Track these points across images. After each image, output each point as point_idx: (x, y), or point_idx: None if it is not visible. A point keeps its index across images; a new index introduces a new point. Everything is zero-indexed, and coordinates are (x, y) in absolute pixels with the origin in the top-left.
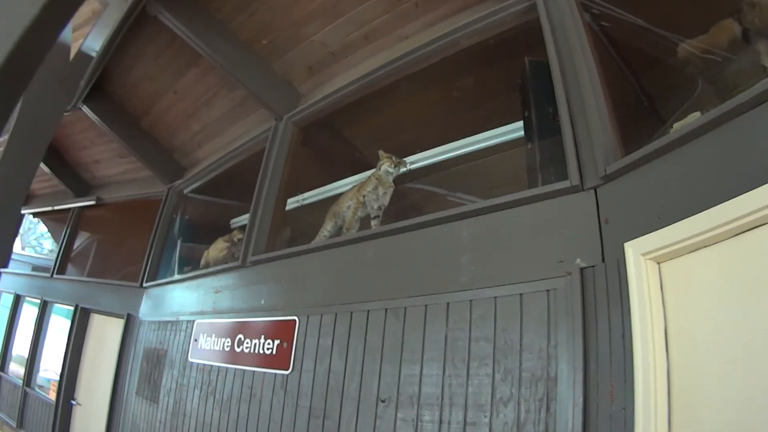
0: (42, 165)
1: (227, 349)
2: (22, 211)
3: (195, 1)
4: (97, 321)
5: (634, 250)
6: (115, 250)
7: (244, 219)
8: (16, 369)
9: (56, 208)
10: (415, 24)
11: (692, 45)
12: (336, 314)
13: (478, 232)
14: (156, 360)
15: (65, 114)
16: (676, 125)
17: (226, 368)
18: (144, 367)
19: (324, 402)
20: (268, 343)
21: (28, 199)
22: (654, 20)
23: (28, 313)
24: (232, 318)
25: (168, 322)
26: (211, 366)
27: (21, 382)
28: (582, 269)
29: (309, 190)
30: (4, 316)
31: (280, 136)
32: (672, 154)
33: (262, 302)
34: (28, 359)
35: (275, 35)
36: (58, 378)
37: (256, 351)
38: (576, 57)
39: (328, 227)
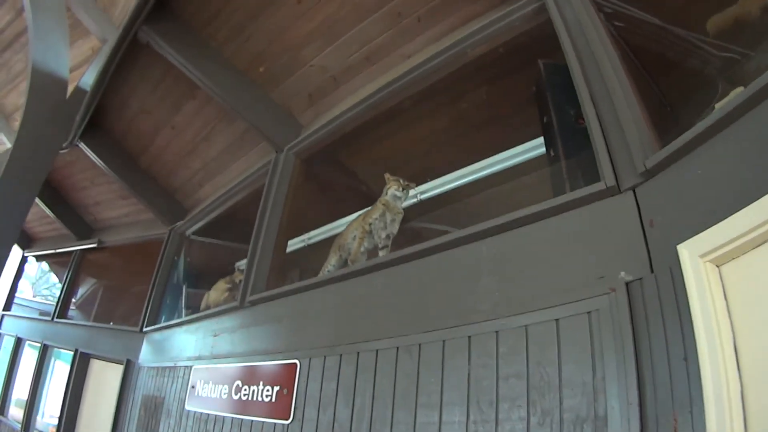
0: (44, 208)
1: (225, 396)
2: (25, 254)
3: (188, 28)
4: (96, 366)
5: (690, 253)
6: (116, 294)
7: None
8: (15, 413)
9: (58, 251)
10: (419, 40)
11: (721, 18)
12: (341, 355)
13: (501, 251)
14: (153, 408)
15: (63, 152)
16: (718, 105)
17: (224, 417)
18: (142, 415)
19: None
20: (267, 390)
21: (31, 242)
22: (669, 20)
23: (29, 356)
24: (230, 363)
25: (166, 368)
26: (208, 415)
27: (19, 426)
28: (627, 283)
29: (314, 229)
30: (5, 359)
31: (281, 168)
32: (720, 135)
33: (261, 345)
34: (27, 404)
35: (272, 62)
36: (56, 424)
37: (255, 398)
38: (596, 50)
39: (332, 261)
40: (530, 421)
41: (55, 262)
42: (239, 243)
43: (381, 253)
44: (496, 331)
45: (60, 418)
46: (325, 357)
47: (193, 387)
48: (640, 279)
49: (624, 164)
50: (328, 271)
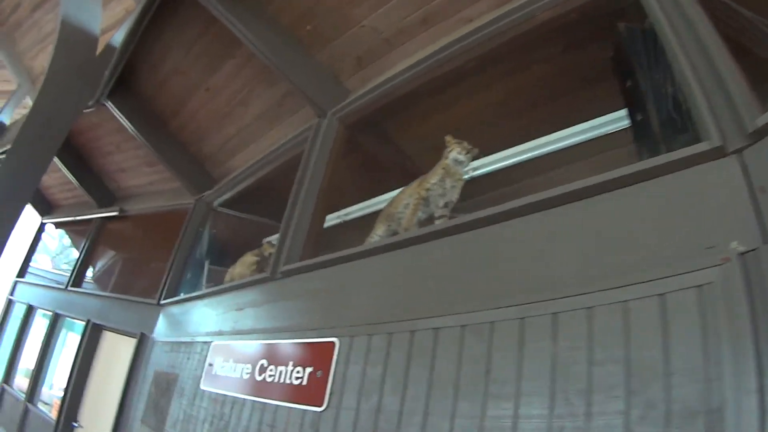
0: (66, 173)
1: (246, 376)
2: (44, 221)
3: None
4: (108, 339)
5: None
6: (134, 266)
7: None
8: (21, 383)
9: (78, 218)
10: (483, 3)
11: None
12: (390, 335)
13: (591, 217)
14: (165, 386)
15: (88, 111)
16: None
17: (243, 400)
18: (152, 392)
19: None
20: (298, 372)
21: (51, 209)
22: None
23: (40, 326)
24: (255, 340)
25: (182, 343)
26: (225, 396)
27: (23, 397)
28: (741, 254)
29: (350, 205)
30: (15, 327)
31: (323, 133)
32: None
33: (293, 321)
34: (33, 374)
35: (320, 20)
36: (60, 397)
37: (282, 380)
38: (687, 11)
39: (378, 232)
40: (630, 416)
41: (74, 230)
42: (268, 218)
43: (438, 223)
44: (588, 308)
45: (66, 390)
46: (370, 336)
47: (210, 365)
48: (755, 250)
49: (729, 124)
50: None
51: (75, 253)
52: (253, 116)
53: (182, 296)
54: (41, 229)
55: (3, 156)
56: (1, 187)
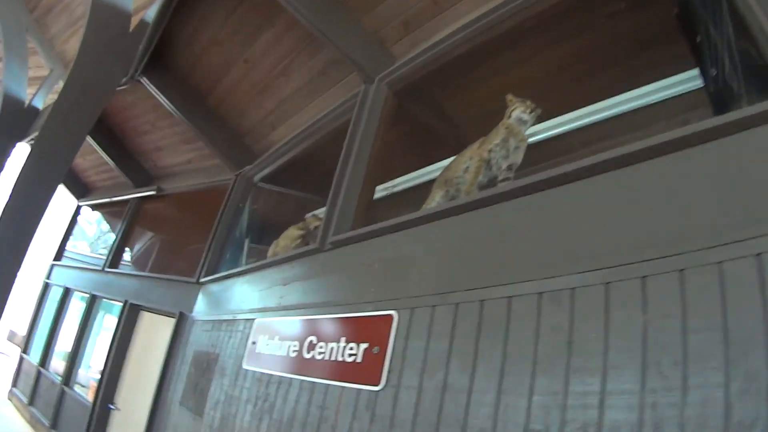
0: (102, 154)
1: (293, 354)
2: (80, 203)
3: None
4: (146, 319)
5: None
6: (172, 245)
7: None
8: (58, 366)
9: (114, 199)
10: None
11: None
12: (457, 305)
13: (680, 174)
14: (206, 365)
15: (122, 88)
16: None
17: (290, 379)
18: (192, 373)
19: None
20: (351, 348)
21: (87, 192)
22: None
23: (76, 308)
24: (302, 315)
25: (223, 321)
26: (271, 376)
27: (60, 379)
28: None
29: (398, 176)
30: (52, 310)
31: (371, 99)
32: None
33: (344, 294)
34: (69, 357)
35: None
36: (97, 379)
37: (333, 358)
38: None
39: (437, 198)
40: (729, 388)
41: (111, 212)
42: (311, 193)
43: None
44: (681, 270)
45: (103, 372)
46: (433, 307)
47: (254, 343)
48: None
49: None
50: None
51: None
52: (294, 87)
53: (223, 273)
54: (77, 212)
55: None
56: (34, 168)
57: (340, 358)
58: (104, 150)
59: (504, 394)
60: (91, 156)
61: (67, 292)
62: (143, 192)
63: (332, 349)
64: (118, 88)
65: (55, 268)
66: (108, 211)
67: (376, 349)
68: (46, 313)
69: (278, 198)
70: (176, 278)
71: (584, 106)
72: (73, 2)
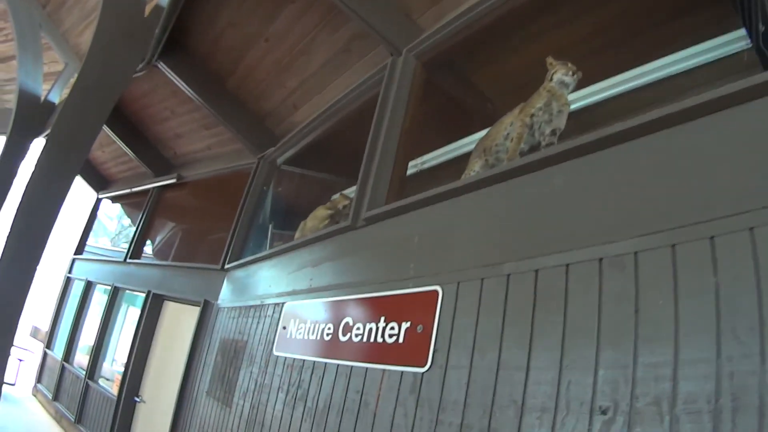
0: (121, 144)
1: (327, 337)
2: (99, 196)
3: None
4: (170, 309)
5: None
6: (195, 233)
7: (349, 192)
8: (82, 360)
9: (134, 189)
10: None
11: None
12: (508, 277)
13: (746, 124)
14: (233, 354)
15: (139, 75)
16: None
17: (325, 364)
18: (218, 362)
19: (488, 419)
20: (392, 328)
21: (106, 184)
22: None
23: (99, 301)
24: (335, 296)
25: (250, 307)
26: (303, 361)
27: (84, 374)
28: None
29: (427, 153)
30: (74, 304)
31: (400, 71)
32: None
33: (381, 272)
34: (92, 350)
35: None
36: (122, 371)
37: (371, 339)
38: None
39: (476, 168)
40: None
41: (131, 203)
42: (336, 175)
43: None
44: (750, 228)
45: (127, 364)
46: (482, 280)
47: (284, 328)
48: None
49: None
50: None
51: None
52: (316, 65)
53: (248, 258)
54: (97, 205)
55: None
56: (49, 160)
57: (379, 340)
58: (122, 140)
59: (566, 370)
60: (110, 147)
61: (89, 286)
62: (164, 180)
63: (370, 330)
64: (135, 75)
65: (77, 262)
66: (128, 202)
67: (419, 328)
68: (69, 307)
69: (301, 181)
70: (200, 266)
71: (622, 72)
72: None
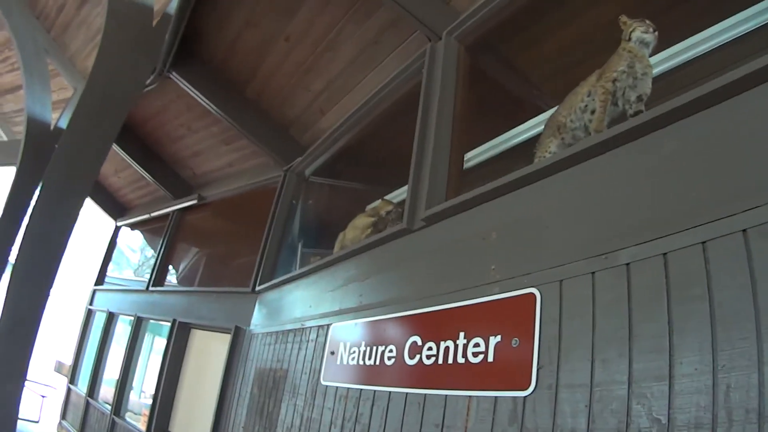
0: (137, 167)
1: (390, 361)
2: (118, 224)
3: None
4: (198, 338)
5: None
6: (220, 256)
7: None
8: (107, 395)
9: (153, 214)
10: None
11: None
12: (627, 266)
13: None
14: (272, 384)
15: (151, 88)
16: None
17: (388, 393)
18: (255, 394)
19: None
20: (476, 344)
21: (124, 211)
22: None
23: (122, 332)
24: (392, 313)
25: (289, 331)
26: (360, 391)
27: (109, 409)
28: None
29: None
30: (97, 337)
31: (443, 56)
32: None
33: (452, 278)
34: (117, 384)
35: None
36: (149, 405)
37: (449, 360)
38: None
39: (551, 148)
40: None
41: (151, 229)
42: (370, 183)
43: None
44: None
45: (155, 397)
46: (592, 274)
47: (332, 353)
48: None
49: None
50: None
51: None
52: (343, 63)
53: (282, 278)
54: (116, 233)
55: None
56: (57, 176)
57: (460, 360)
58: (138, 163)
59: (722, 372)
60: (125, 173)
61: (111, 317)
62: (184, 202)
63: (446, 349)
64: (146, 89)
65: (98, 293)
66: (148, 228)
67: (515, 342)
68: (92, 340)
69: (331, 193)
70: (228, 289)
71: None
72: (90, 14)
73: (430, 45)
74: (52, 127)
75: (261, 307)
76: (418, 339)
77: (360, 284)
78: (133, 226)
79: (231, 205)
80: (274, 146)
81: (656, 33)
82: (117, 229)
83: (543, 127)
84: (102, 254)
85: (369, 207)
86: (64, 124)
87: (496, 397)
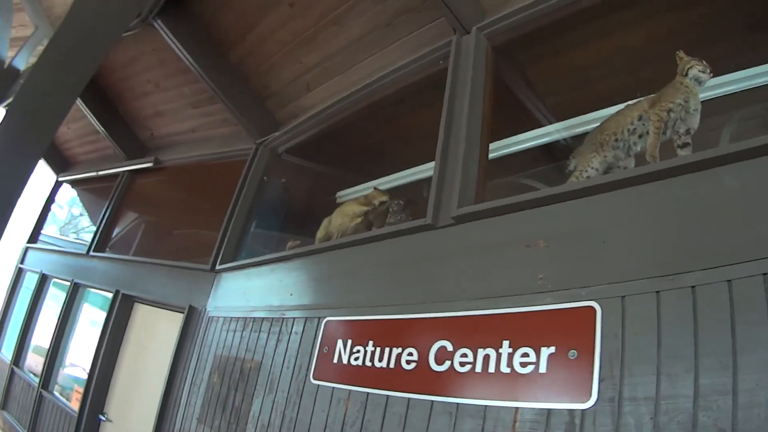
0: (94, 121)
1: (409, 365)
2: (59, 179)
3: None
4: (143, 313)
5: None
6: (173, 227)
7: (355, 191)
8: (34, 363)
9: (101, 173)
10: None
11: None
12: (693, 288)
13: None
14: (238, 375)
15: (130, 33)
16: None
17: (407, 399)
18: (215, 384)
19: None
20: (524, 354)
21: (68, 166)
22: None
23: (56, 297)
24: (413, 313)
25: (262, 319)
26: (367, 394)
27: (37, 381)
28: None
29: None
30: (26, 300)
31: (473, 51)
32: None
33: (491, 283)
34: (47, 356)
35: None
36: (84, 382)
37: (491, 369)
38: None
39: (593, 164)
40: None
41: (93, 189)
42: (346, 170)
43: (682, 153)
44: None
45: (90, 375)
46: (657, 293)
47: (326, 349)
48: None
49: None
50: (587, 177)
51: (85, 223)
52: (347, 39)
53: (255, 259)
54: (56, 189)
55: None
56: (11, 131)
57: (505, 370)
58: (94, 115)
59: None
60: (76, 125)
61: (44, 279)
62: (138, 164)
63: (486, 357)
64: (125, 34)
65: (30, 252)
66: (91, 188)
67: (572, 354)
68: (20, 302)
69: (301, 176)
70: (183, 264)
71: None
72: None
73: (455, 37)
74: (6, 64)
75: (222, 288)
76: (447, 344)
77: (367, 277)
78: (76, 183)
79: (191, 174)
80: (249, 116)
81: (711, 74)
82: (58, 184)
83: (520, 146)
84: (38, 209)
85: (345, 197)
86: (18, 63)
87: (549, 409)
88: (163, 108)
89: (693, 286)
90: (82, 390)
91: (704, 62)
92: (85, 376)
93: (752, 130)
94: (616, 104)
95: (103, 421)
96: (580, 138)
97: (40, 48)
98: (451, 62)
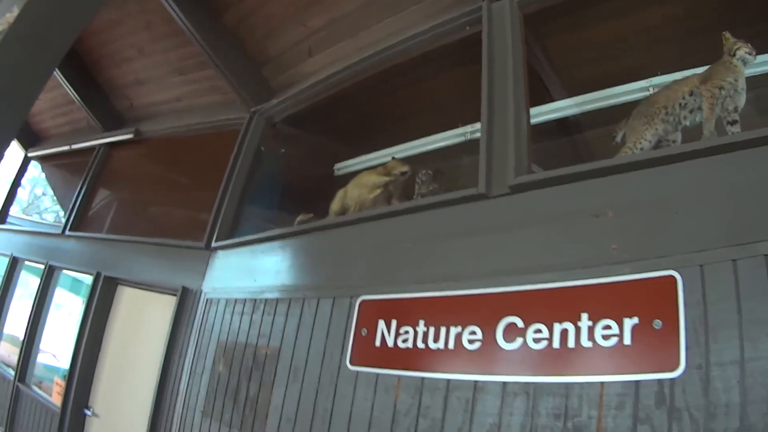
0: (71, 91)
1: (472, 345)
2: (29, 154)
3: None
4: (128, 297)
5: None
6: (159, 203)
7: (355, 163)
8: (7, 354)
9: (75, 147)
10: None
11: None
12: (766, 256)
13: None
14: (252, 363)
15: None
16: None
17: (474, 382)
18: (221, 373)
19: None
20: (606, 327)
21: (38, 141)
22: None
23: (29, 282)
24: (470, 289)
25: (277, 300)
26: (423, 379)
27: (12, 375)
28: None
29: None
30: None
31: (508, 15)
32: None
33: (560, 254)
34: (22, 348)
35: None
36: (64, 374)
37: (570, 344)
38: None
39: (646, 135)
40: None
41: (64, 165)
42: (354, 141)
43: (731, 130)
44: None
45: (72, 367)
46: (733, 262)
47: (364, 332)
48: None
49: None
50: (641, 149)
51: (47, 203)
52: (358, 3)
53: (260, 235)
54: (25, 165)
55: None
56: None
57: (586, 344)
58: (70, 83)
59: None
60: (47, 95)
61: (15, 262)
62: (117, 136)
63: (564, 332)
64: None
65: None
66: (63, 163)
67: (657, 324)
68: None
69: (296, 147)
70: (173, 242)
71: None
72: None
73: (486, 3)
74: None
75: (220, 268)
76: (517, 320)
77: (407, 252)
78: (47, 159)
79: (176, 146)
80: (244, 83)
81: (755, 56)
82: (27, 160)
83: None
84: (5, 188)
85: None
86: None
87: (637, 381)
88: (145, 75)
89: (765, 255)
90: (63, 383)
91: (749, 45)
92: (66, 367)
93: None
94: (630, 81)
95: (89, 416)
96: (588, 114)
97: (10, 15)
98: (486, 27)
